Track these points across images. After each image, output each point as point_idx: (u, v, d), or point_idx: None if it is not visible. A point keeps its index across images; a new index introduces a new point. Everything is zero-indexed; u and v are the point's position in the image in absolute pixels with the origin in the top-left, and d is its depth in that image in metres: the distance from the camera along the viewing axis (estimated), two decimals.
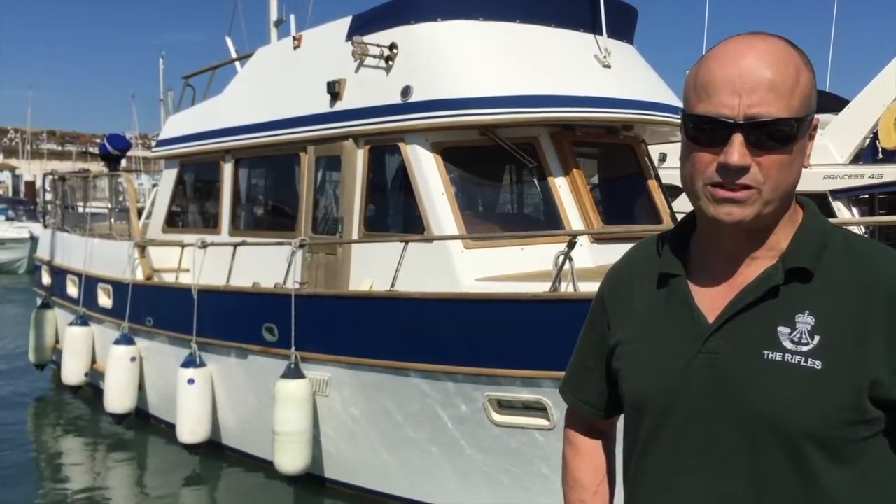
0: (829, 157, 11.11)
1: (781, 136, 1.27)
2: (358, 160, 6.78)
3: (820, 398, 1.27)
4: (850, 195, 10.81)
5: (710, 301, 1.38)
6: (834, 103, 12.69)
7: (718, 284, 1.39)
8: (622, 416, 1.62)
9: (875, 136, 11.20)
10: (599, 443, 1.67)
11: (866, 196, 11.11)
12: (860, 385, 1.27)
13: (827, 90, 14.42)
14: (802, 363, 1.28)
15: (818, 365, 1.27)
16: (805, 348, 1.29)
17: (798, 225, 1.38)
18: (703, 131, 1.30)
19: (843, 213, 10.58)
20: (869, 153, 11.43)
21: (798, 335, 1.30)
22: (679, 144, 1.43)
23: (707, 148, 1.30)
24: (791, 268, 1.33)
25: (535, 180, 6.65)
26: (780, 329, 1.31)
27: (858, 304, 1.29)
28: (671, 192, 7.46)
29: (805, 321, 1.30)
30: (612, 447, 1.68)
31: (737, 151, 1.26)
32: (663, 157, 9.78)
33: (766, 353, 1.30)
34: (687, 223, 1.48)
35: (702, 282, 1.41)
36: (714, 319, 1.36)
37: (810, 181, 10.20)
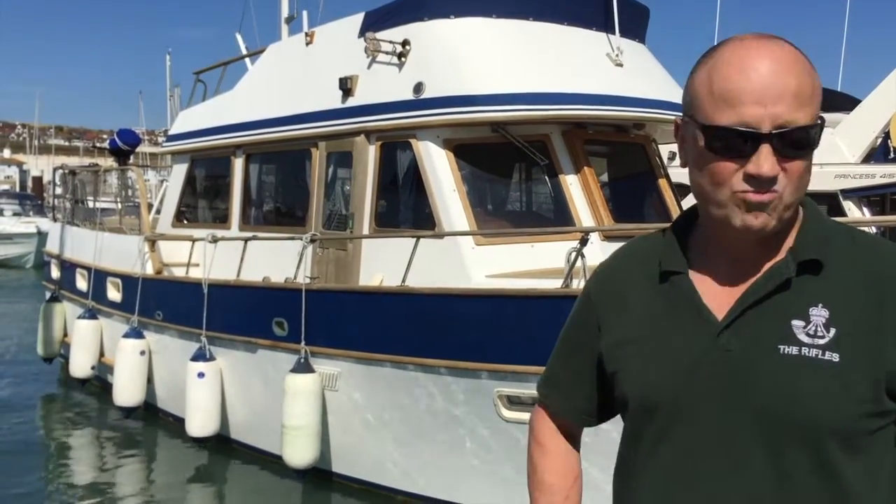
0: (841, 157, 11.07)
1: (805, 142, 1.26)
2: (369, 156, 6.79)
3: (839, 391, 1.25)
4: (862, 195, 10.78)
5: (716, 298, 1.36)
6: (845, 103, 12.65)
7: (724, 281, 1.37)
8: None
9: (887, 136, 11.17)
10: (569, 446, 1.62)
11: (877, 196, 11.08)
12: (878, 377, 1.25)
13: (839, 90, 14.37)
14: (820, 356, 1.26)
15: (836, 357, 1.25)
16: (821, 341, 1.27)
17: (800, 222, 1.37)
18: (727, 141, 1.27)
19: (854, 212, 10.54)
20: (880, 153, 11.38)
21: (813, 328, 1.28)
22: None
23: (729, 158, 1.27)
24: (802, 260, 1.32)
25: (545, 177, 6.65)
26: (795, 322, 1.29)
27: (871, 296, 1.28)
28: (681, 190, 7.45)
29: (819, 314, 1.28)
30: (579, 449, 1.64)
31: (767, 162, 1.24)
32: (673, 156, 9.76)
33: (781, 347, 1.28)
34: (686, 220, 1.46)
35: (706, 279, 1.38)
36: (724, 316, 1.33)
37: (821, 180, 10.17)
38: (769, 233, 1.30)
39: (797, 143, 1.25)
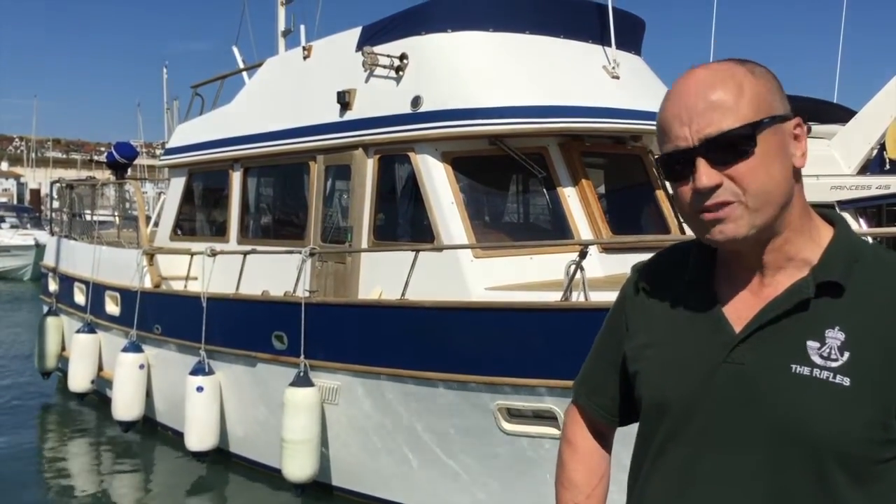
0: (837, 168, 11.09)
1: (739, 145, 1.29)
2: (368, 169, 6.81)
3: (847, 415, 1.26)
4: (858, 206, 10.77)
5: (737, 311, 1.38)
6: (841, 114, 12.68)
7: (746, 294, 1.39)
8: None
9: (882, 147, 11.17)
10: (598, 445, 1.66)
11: (873, 208, 11.08)
12: (888, 404, 1.25)
13: (835, 101, 14.40)
14: (831, 379, 1.26)
15: (846, 382, 1.26)
16: (834, 364, 1.27)
17: (830, 237, 1.37)
18: (673, 167, 1.35)
19: (851, 224, 10.54)
20: (876, 164, 11.40)
21: (827, 350, 1.28)
22: None
23: (683, 181, 1.34)
24: (822, 281, 1.32)
25: (543, 190, 6.68)
26: (810, 343, 1.29)
27: (890, 322, 1.28)
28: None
29: (835, 336, 1.29)
30: (609, 451, 1.68)
31: (703, 174, 1.29)
32: None
33: (793, 366, 1.29)
34: None
35: (728, 291, 1.41)
36: (741, 329, 1.35)
37: (817, 192, 10.17)
38: (748, 240, 1.32)
39: (727, 147, 1.29)
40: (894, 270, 1.34)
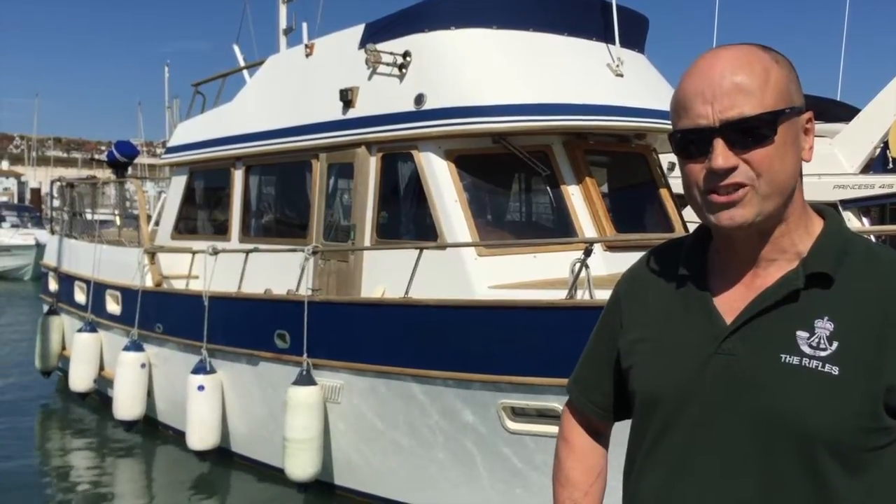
0: (839, 167, 11.09)
1: (760, 131, 1.30)
2: (371, 167, 6.79)
3: (835, 404, 1.27)
4: (860, 205, 10.77)
5: (729, 303, 1.39)
6: (845, 113, 12.66)
7: (737, 287, 1.40)
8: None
9: (885, 146, 11.17)
10: (595, 443, 1.67)
11: (877, 206, 11.07)
12: (876, 392, 1.26)
13: (838, 99, 14.38)
14: (820, 368, 1.28)
15: (835, 370, 1.27)
16: (823, 353, 1.29)
17: (820, 230, 1.39)
18: (688, 144, 1.35)
19: (854, 223, 10.51)
20: (879, 163, 11.40)
21: (816, 340, 1.30)
22: None
23: (696, 159, 1.34)
24: (812, 272, 1.33)
25: (547, 188, 6.66)
26: (799, 333, 1.31)
27: (879, 312, 1.29)
28: (681, 200, 7.44)
29: (824, 326, 1.30)
30: (606, 448, 1.69)
31: (720, 155, 1.30)
32: (672, 167, 9.78)
33: (783, 356, 1.31)
34: (707, 228, 1.50)
35: (720, 284, 1.42)
36: (732, 321, 1.37)
37: (820, 191, 10.16)
38: (756, 228, 1.33)
39: (749, 132, 1.30)
40: (884, 262, 1.35)
